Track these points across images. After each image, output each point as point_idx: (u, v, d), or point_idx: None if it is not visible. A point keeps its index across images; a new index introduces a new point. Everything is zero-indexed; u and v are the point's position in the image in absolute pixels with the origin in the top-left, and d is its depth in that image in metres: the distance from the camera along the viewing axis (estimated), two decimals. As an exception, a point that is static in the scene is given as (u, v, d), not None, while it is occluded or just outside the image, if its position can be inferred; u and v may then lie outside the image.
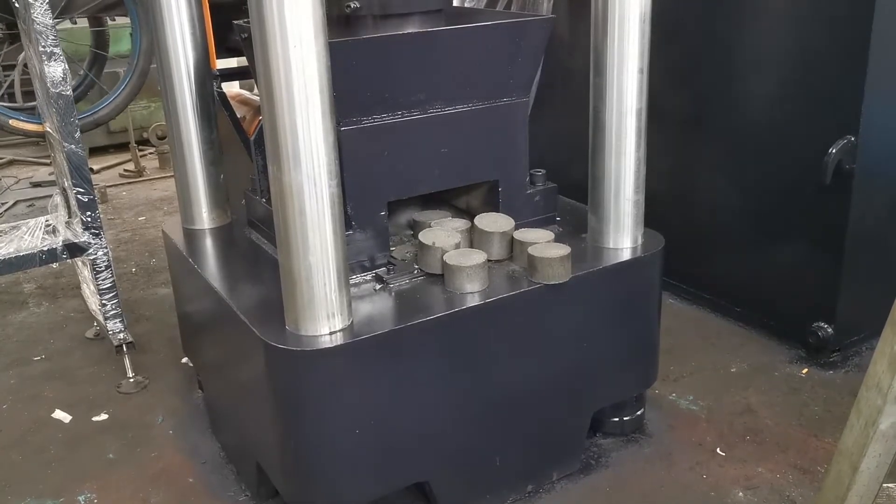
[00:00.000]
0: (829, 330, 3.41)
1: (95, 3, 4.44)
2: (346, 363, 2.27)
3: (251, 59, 2.61)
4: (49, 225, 3.53)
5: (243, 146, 3.57)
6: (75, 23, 5.47)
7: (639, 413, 3.08)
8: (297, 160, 2.07)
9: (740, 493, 2.74)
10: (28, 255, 3.34)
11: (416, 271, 2.59)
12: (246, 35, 2.58)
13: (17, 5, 3.31)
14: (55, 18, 3.21)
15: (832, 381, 3.36)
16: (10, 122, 4.29)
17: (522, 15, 3.65)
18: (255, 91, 4.65)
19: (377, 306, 2.45)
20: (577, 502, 2.75)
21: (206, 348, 3.07)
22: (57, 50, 3.16)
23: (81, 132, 3.85)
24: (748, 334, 3.76)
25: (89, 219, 3.38)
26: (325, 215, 2.14)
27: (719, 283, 3.90)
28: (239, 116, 3.86)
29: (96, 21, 5.14)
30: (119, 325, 3.57)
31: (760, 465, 2.88)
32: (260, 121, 2.71)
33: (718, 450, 2.98)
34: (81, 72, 5.20)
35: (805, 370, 3.46)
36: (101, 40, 5.31)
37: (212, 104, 3.04)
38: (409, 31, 2.70)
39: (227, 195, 3.17)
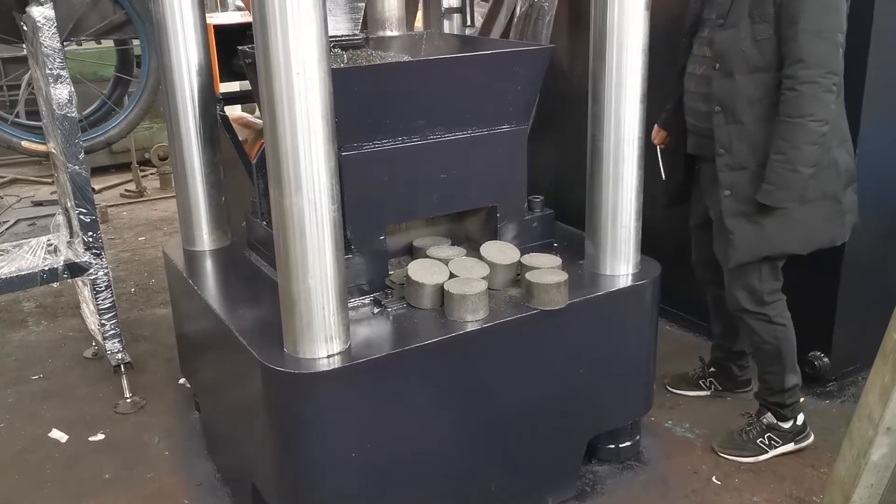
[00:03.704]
0: (826, 360, 3.42)
1: (103, 25, 4.47)
2: (344, 386, 2.28)
3: (254, 83, 2.65)
4: (51, 244, 3.55)
5: (244, 168, 3.60)
6: (80, 44, 5.50)
7: (634, 440, 3.08)
8: (298, 184, 2.10)
9: (735, 522, 2.74)
10: (29, 274, 3.36)
11: (405, 306, 2.60)
12: (250, 60, 2.61)
13: (24, 28, 3.35)
14: (63, 41, 3.24)
15: (828, 411, 3.37)
16: (23, 143, 4.32)
17: (521, 44, 3.70)
18: (257, 114, 4.70)
19: (375, 330, 2.47)
20: (572, 529, 2.75)
21: (203, 369, 3.08)
22: (63, 72, 3.19)
23: (93, 151, 3.86)
24: (744, 362, 3.77)
25: (91, 239, 3.39)
26: (325, 239, 2.16)
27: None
28: (241, 139, 3.89)
29: (121, 41, 5.13)
30: (117, 344, 3.58)
31: (756, 494, 2.88)
32: (262, 144, 2.75)
33: (714, 478, 2.98)
34: (107, 91, 5.21)
35: (801, 400, 3.46)
36: (126, 61, 5.33)
37: (214, 127, 3.07)
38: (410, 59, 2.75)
39: (228, 217, 3.19)
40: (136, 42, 5.16)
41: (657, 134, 3.30)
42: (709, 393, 3.50)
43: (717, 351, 3.49)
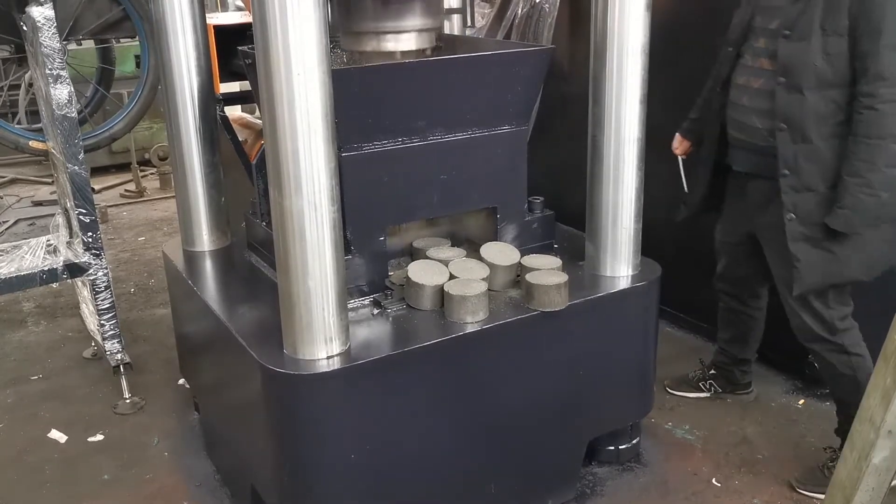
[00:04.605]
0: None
1: (100, 23, 4.47)
2: (343, 388, 2.27)
3: (254, 84, 2.65)
4: (50, 245, 3.54)
5: (244, 169, 3.60)
6: (80, 44, 5.50)
7: (634, 442, 3.08)
8: (298, 185, 2.09)
9: (735, 524, 2.74)
10: (29, 274, 3.35)
11: (404, 307, 2.60)
12: (250, 61, 2.61)
13: (24, 28, 3.35)
14: (62, 41, 3.24)
15: (829, 413, 3.35)
16: (30, 143, 4.32)
17: (522, 45, 3.69)
18: (257, 114, 4.70)
19: (374, 331, 2.46)
20: (572, 531, 2.75)
21: (203, 370, 3.07)
22: (63, 72, 3.19)
23: (98, 148, 3.83)
24: (745, 364, 3.77)
25: (90, 239, 3.39)
26: (324, 240, 2.16)
27: (717, 312, 3.90)
28: (241, 139, 3.89)
29: (102, 39, 5.17)
30: (117, 345, 3.57)
31: (756, 496, 2.88)
32: (262, 145, 2.74)
33: (714, 480, 2.98)
34: (88, 93, 5.23)
35: (802, 401, 3.46)
36: (107, 57, 5.36)
37: (214, 127, 3.07)
38: (408, 56, 2.74)
39: (228, 217, 3.18)
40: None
41: (680, 144, 3.21)
42: (709, 395, 3.49)
43: (721, 355, 3.45)
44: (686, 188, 3.22)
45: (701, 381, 3.50)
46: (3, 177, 7.10)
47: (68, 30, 4.31)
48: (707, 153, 3.06)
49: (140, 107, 4.96)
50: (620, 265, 2.80)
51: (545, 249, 2.92)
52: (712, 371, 3.49)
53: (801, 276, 2.67)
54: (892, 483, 1.89)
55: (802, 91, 2.58)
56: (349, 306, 2.45)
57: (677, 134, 3.21)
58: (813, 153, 2.60)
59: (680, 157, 3.23)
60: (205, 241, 3.13)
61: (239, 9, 5.94)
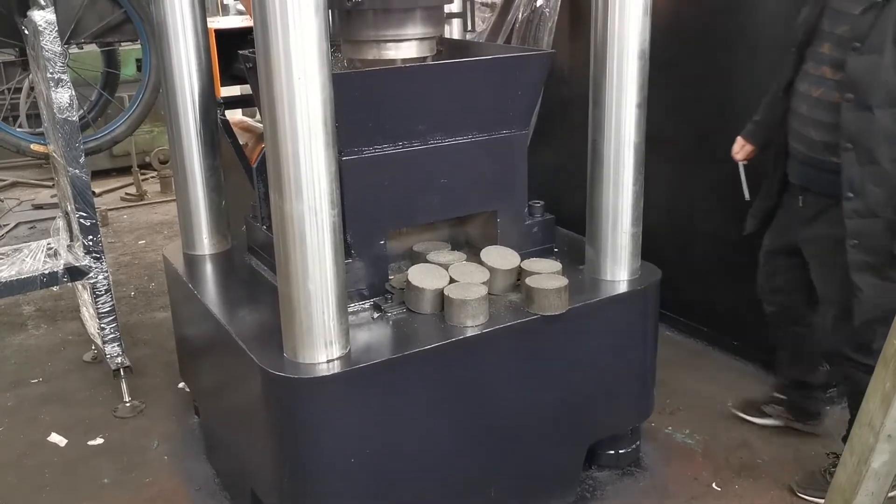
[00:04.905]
0: (826, 366, 3.40)
1: (101, 26, 4.48)
2: (343, 391, 2.27)
3: (255, 87, 2.65)
4: (51, 248, 3.55)
5: (245, 173, 3.61)
6: (82, 48, 5.50)
7: (634, 446, 3.07)
8: (298, 189, 2.10)
9: (735, 529, 2.74)
10: (29, 278, 3.35)
11: (405, 310, 2.60)
12: (251, 65, 2.62)
13: (26, 32, 3.35)
14: (63, 45, 3.24)
15: (829, 417, 3.35)
16: (32, 146, 4.33)
17: (523, 49, 3.70)
18: (258, 118, 4.70)
19: (375, 335, 2.46)
20: (572, 535, 2.75)
21: (203, 374, 3.07)
22: (64, 76, 3.20)
23: (100, 151, 3.83)
24: (745, 368, 3.76)
25: (91, 243, 3.39)
26: (325, 244, 2.16)
27: (717, 316, 3.91)
28: (241, 143, 3.89)
29: (105, 42, 5.17)
30: (117, 348, 3.57)
31: (756, 500, 2.88)
32: (262, 148, 2.75)
33: (714, 485, 2.97)
34: (93, 97, 5.23)
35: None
36: (112, 61, 5.35)
37: (215, 131, 3.07)
38: (409, 57, 2.75)
39: (228, 221, 3.19)
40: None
41: (741, 148, 3.00)
42: (777, 423, 3.25)
43: (779, 376, 3.28)
44: (747, 196, 3.02)
45: (764, 404, 3.27)
46: (4, 180, 7.10)
47: (69, 33, 4.31)
48: (776, 165, 2.87)
49: (141, 110, 4.96)
50: (620, 269, 2.80)
51: (545, 253, 2.93)
52: (777, 395, 3.26)
53: (861, 307, 2.54)
54: (891, 494, 1.89)
55: (872, 109, 2.41)
56: (349, 310, 2.45)
57: (738, 138, 3.00)
58: (880, 176, 2.44)
59: (741, 163, 3.01)
60: (205, 244, 3.13)
61: (240, 13, 5.95)
